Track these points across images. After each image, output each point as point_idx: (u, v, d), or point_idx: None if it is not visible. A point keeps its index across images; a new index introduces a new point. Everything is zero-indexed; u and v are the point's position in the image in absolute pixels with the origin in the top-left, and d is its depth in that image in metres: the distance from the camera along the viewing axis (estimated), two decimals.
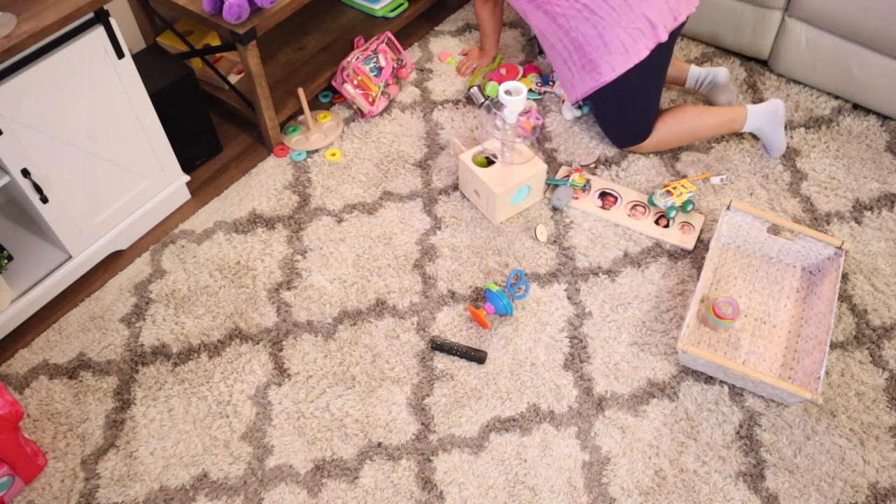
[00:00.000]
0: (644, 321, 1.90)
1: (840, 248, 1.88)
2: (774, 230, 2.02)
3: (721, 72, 2.30)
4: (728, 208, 1.96)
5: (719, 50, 2.58)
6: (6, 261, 1.88)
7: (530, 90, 2.45)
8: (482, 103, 2.39)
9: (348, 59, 2.36)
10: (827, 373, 1.79)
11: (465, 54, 2.60)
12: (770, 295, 1.94)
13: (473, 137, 2.34)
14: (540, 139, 2.33)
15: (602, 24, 1.93)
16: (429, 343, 1.87)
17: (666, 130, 2.17)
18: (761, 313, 1.90)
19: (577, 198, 2.15)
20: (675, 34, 2.02)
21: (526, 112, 2.10)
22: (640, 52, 1.95)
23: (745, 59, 2.55)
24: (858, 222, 2.09)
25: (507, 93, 1.88)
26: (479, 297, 1.96)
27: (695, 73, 2.34)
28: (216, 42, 2.35)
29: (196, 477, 1.67)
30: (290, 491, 1.65)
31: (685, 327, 1.75)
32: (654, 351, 1.85)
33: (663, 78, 2.12)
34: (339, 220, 2.14)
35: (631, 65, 1.97)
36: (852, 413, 1.74)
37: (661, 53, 2.02)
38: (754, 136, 2.30)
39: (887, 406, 1.75)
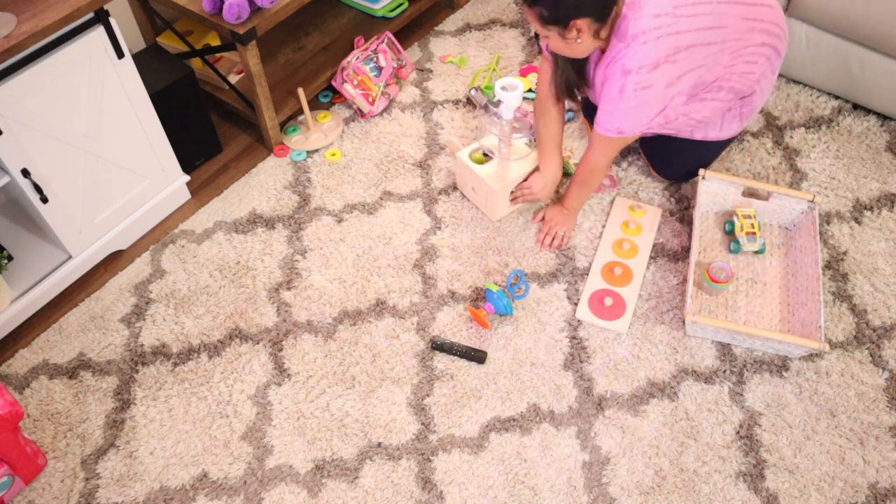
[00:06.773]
0: (644, 321, 1.90)
1: (812, 201, 1.97)
2: (749, 192, 2.07)
3: None
4: (703, 178, 2.03)
5: None
6: (6, 261, 1.88)
7: (529, 90, 2.45)
8: (482, 105, 2.39)
9: (348, 59, 2.36)
10: (827, 373, 1.80)
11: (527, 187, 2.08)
12: (754, 255, 2.01)
13: (473, 138, 2.34)
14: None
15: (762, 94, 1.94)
16: (429, 343, 1.87)
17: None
18: (751, 273, 1.98)
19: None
20: None
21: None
22: (736, 130, 2.00)
23: None
24: (858, 222, 2.09)
25: (504, 89, 1.89)
26: (479, 297, 1.96)
27: None
28: (216, 42, 2.35)
29: (196, 477, 1.67)
30: (290, 491, 1.65)
31: (689, 297, 1.80)
32: (654, 351, 1.85)
33: None
34: (339, 220, 2.14)
35: (736, 132, 2.01)
36: (852, 413, 1.74)
37: None
38: (753, 135, 2.30)
39: (887, 406, 1.75)
